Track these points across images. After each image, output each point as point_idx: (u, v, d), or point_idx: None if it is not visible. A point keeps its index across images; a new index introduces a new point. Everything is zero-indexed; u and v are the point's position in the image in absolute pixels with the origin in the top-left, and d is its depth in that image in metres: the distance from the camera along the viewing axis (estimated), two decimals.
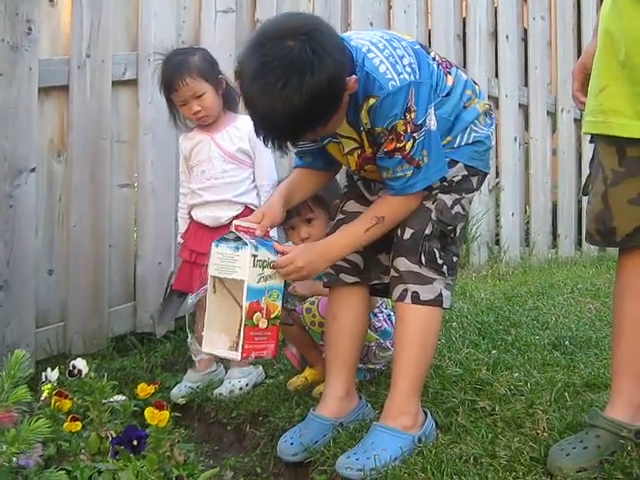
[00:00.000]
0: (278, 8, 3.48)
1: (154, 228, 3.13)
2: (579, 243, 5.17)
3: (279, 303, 1.92)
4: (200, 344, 1.93)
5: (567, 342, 2.64)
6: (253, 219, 1.99)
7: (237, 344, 1.85)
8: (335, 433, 2.02)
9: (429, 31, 4.46)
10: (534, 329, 2.83)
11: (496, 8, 4.72)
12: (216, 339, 1.90)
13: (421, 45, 1.96)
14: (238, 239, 1.89)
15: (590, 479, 1.68)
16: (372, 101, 1.81)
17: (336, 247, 1.97)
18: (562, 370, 2.35)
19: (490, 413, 2.06)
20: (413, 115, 1.81)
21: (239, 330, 1.84)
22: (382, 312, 2.34)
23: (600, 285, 3.63)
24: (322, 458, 1.94)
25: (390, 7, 4.18)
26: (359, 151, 1.95)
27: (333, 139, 1.97)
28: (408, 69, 1.82)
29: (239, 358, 1.87)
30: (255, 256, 1.85)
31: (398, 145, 1.83)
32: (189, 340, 2.00)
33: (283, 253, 1.92)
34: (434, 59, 1.94)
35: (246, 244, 1.86)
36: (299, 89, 1.66)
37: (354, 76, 1.77)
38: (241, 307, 1.84)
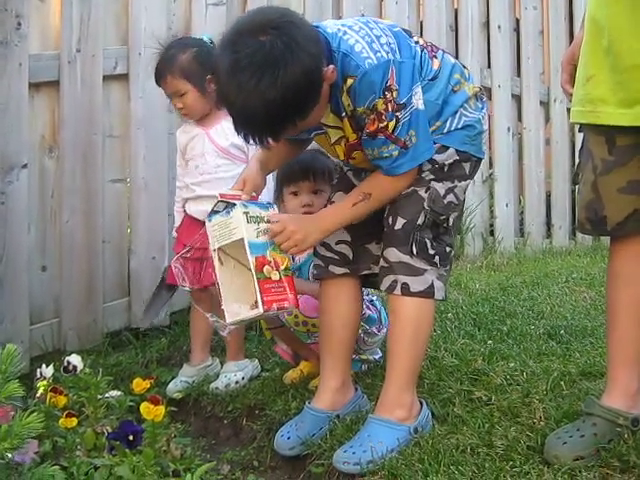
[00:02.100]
0: (269, 1, 3.47)
1: (147, 223, 3.11)
2: (573, 233, 5.17)
3: (285, 254, 1.92)
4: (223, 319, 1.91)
5: (562, 331, 2.65)
6: (236, 187, 2.00)
7: (256, 302, 1.84)
8: (332, 425, 2.02)
9: (421, 22, 4.45)
10: (529, 319, 2.84)
11: None
12: (237, 308, 1.89)
13: (403, 29, 1.95)
14: (227, 207, 1.89)
15: (587, 467, 1.69)
16: (350, 81, 1.79)
17: (326, 219, 1.96)
18: (558, 359, 2.35)
19: (486, 403, 2.06)
20: (394, 94, 1.79)
21: (254, 288, 1.83)
22: (364, 298, 2.32)
23: (595, 274, 3.63)
24: (319, 451, 1.94)
25: None
26: (345, 140, 1.94)
27: (319, 131, 1.96)
28: (386, 48, 1.81)
29: (262, 311, 1.84)
30: (247, 213, 1.86)
31: (380, 125, 1.81)
32: (210, 318, 1.99)
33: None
34: (417, 42, 1.92)
35: (234, 204, 1.87)
36: (273, 84, 1.66)
37: (331, 66, 1.77)
38: (249, 267, 1.84)
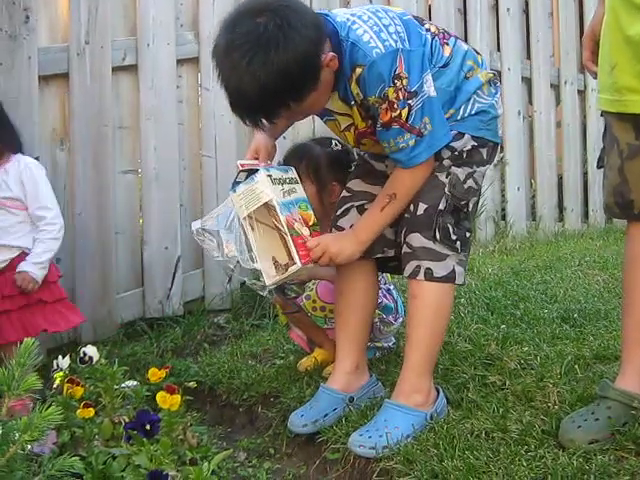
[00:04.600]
0: None
1: (159, 213, 3.13)
2: (585, 215, 5.16)
3: (311, 212, 1.99)
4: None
5: (576, 315, 2.64)
6: (251, 157, 2.03)
7: (292, 258, 1.90)
8: (346, 411, 2.03)
9: (429, 7, 4.43)
10: (543, 303, 2.83)
11: None
12: (274, 269, 1.94)
13: (414, 17, 1.95)
14: (248, 175, 1.94)
15: (602, 450, 1.69)
16: (359, 71, 1.80)
17: (360, 231, 1.97)
18: (572, 343, 2.35)
19: (500, 388, 2.07)
20: (405, 82, 1.79)
21: (289, 245, 1.90)
22: (381, 288, 2.33)
23: (608, 257, 3.62)
24: (334, 437, 1.95)
25: None
26: (354, 127, 1.95)
27: (329, 117, 1.98)
28: (395, 37, 1.81)
29: (300, 265, 1.90)
30: (270, 176, 1.92)
31: (393, 115, 1.81)
32: (249, 282, 2.01)
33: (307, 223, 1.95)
34: (428, 30, 1.92)
35: (257, 170, 1.93)
36: (265, 64, 1.68)
37: (331, 53, 1.77)
38: (279, 228, 1.90)
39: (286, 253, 1.91)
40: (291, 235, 1.90)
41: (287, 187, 1.97)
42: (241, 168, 1.98)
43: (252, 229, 1.94)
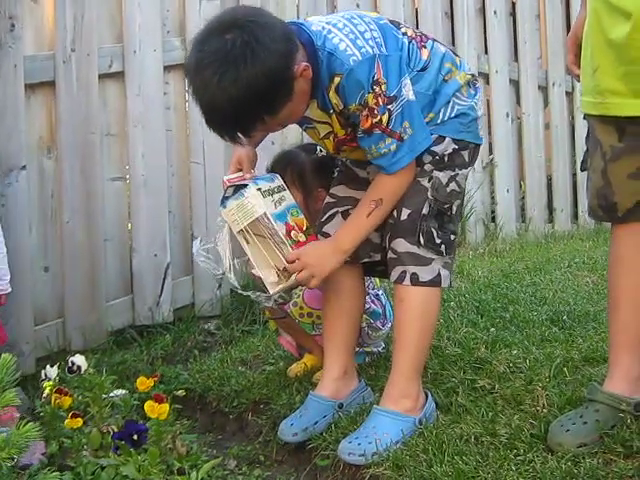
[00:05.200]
0: None
1: (148, 220, 3.12)
2: (575, 216, 5.17)
3: (302, 216, 2.01)
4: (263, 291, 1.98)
5: (565, 317, 2.64)
6: (233, 169, 2.04)
7: None
8: (336, 417, 2.03)
9: (416, 10, 4.44)
10: (532, 305, 2.83)
11: None
12: (277, 278, 1.95)
13: (391, 21, 1.95)
14: (236, 190, 1.95)
15: (591, 454, 1.69)
16: (337, 80, 1.81)
17: (343, 238, 1.96)
18: (561, 345, 2.35)
19: (490, 391, 2.07)
20: (383, 87, 1.80)
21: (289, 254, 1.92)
22: (369, 293, 2.33)
23: (597, 258, 3.63)
24: (324, 443, 1.95)
25: None
26: (333, 135, 1.95)
27: (308, 125, 1.98)
28: (371, 43, 1.81)
29: None
30: (259, 189, 1.93)
31: (374, 120, 1.82)
32: (252, 295, 2.00)
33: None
34: (405, 34, 1.92)
35: (246, 185, 1.94)
36: (235, 81, 1.69)
37: (304, 63, 1.77)
38: (274, 237, 1.92)
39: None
40: (291, 245, 1.92)
41: (277, 196, 1.97)
42: (228, 184, 1.97)
43: (247, 242, 1.95)
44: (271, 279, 1.95)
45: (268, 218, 1.90)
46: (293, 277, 1.92)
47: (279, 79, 1.73)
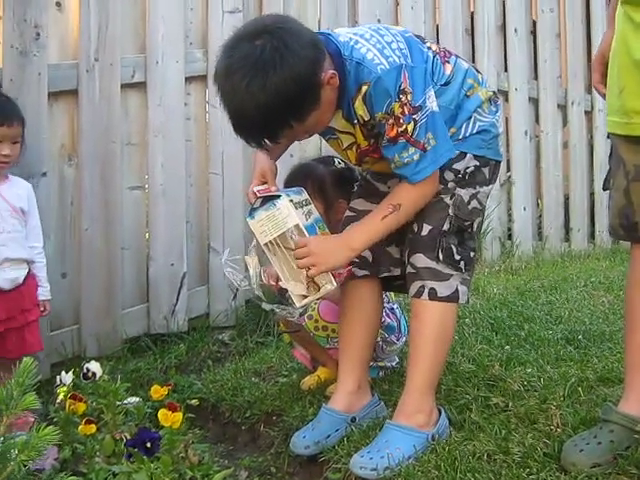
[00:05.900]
0: (285, 7, 3.48)
1: (165, 230, 3.14)
2: (592, 236, 5.14)
3: (327, 230, 2.02)
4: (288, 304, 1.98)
5: (580, 336, 2.63)
6: (258, 182, 2.01)
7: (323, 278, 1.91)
8: (348, 431, 2.03)
9: (437, 26, 4.45)
10: (547, 324, 2.83)
11: (504, 1, 4.69)
12: (305, 291, 1.94)
13: (415, 35, 1.97)
14: (264, 201, 1.94)
15: (604, 474, 1.68)
16: (364, 88, 1.82)
17: (354, 237, 1.95)
18: (575, 365, 2.34)
19: (503, 409, 2.06)
20: (409, 97, 1.81)
21: None
22: (384, 307, 2.33)
23: (613, 278, 3.61)
24: (336, 457, 1.94)
25: (397, 3, 4.17)
26: (356, 145, 1.96)
27: (331, 135, 1.99)
28: (397, 53, 1.83)
29: (336, 285, 1.92)
30: (292, 200, 1.93)
31: (400, 129, 1.82)
32: (277, 309, 2.00)
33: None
34: (429, 48, 1.94)
35: (279, 196, 1.93)
36: (263, 86, 1.70)
37: (331, 71, 1.78)
38: None
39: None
40: None
41: (306, 209, 1.98)
42: (258, 195, 1.97)
43: (274, 255, 1.94)
44: (298, 291, 1.93)
45: (300, 229, 1.90)
46: (322, 290, 1.91)
47: (307, 84, 1.74)
